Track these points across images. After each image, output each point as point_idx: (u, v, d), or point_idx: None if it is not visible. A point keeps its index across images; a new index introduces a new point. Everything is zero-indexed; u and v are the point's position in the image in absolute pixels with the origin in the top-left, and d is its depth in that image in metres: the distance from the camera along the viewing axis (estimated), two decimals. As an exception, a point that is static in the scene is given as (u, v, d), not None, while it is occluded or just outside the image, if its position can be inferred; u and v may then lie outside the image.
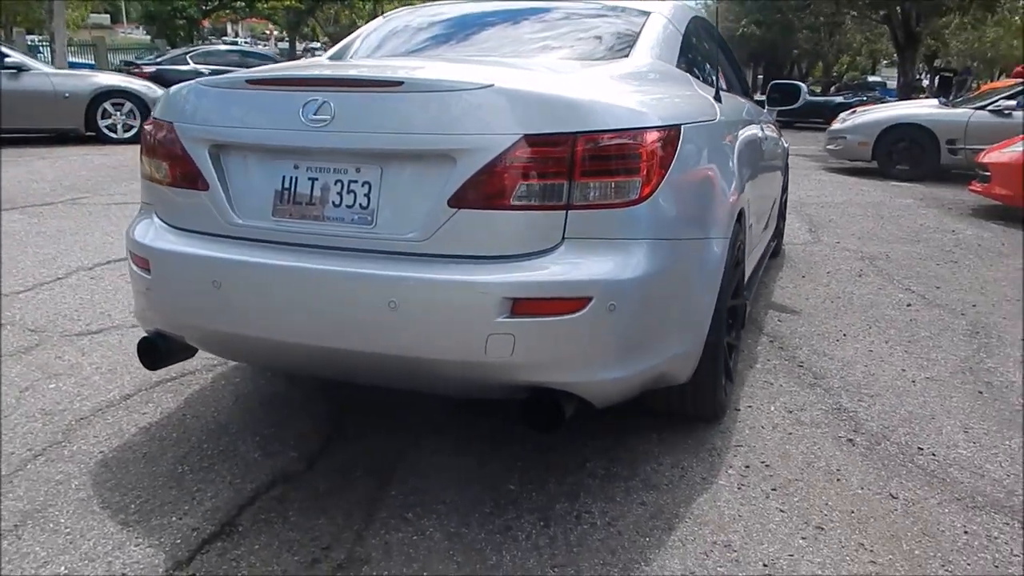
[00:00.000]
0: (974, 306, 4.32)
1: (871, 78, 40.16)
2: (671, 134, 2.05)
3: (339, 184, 2.02)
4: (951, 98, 11.88)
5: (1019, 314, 4.16)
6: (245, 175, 2.12)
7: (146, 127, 2.35)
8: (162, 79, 12.58)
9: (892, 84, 28.83)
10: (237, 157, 2.13)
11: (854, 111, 12.07)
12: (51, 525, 2.04)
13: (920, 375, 3.24)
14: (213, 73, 13.67)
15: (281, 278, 2.00)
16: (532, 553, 1.96)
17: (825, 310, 4.23)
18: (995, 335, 3.79)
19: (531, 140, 1.87)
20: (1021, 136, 7.69)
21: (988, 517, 2.16)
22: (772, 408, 2.88)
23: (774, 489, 2.29)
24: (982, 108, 10.02)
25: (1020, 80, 12.59)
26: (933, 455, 2.52)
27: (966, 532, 2.08)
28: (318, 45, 31.81)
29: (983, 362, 3.42)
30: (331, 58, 3.03)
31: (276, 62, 18.06)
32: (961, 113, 10.21)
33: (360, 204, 2.00)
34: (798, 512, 2.17)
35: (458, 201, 1.90)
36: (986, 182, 7.61)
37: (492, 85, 1.91)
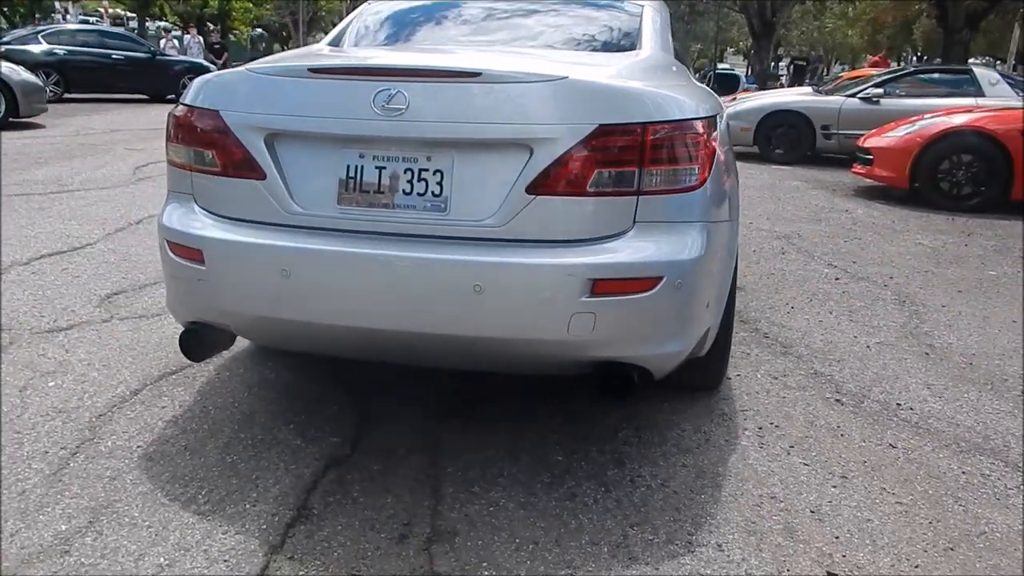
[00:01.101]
0: (892, 278, 4.80)
1: (720, 66, 42.28)
2: (713, 122, 2.23)
3: (409, 172, 2.08)
4: (807, 84, 12.76)
5: (936, 284, 4.67)
6: (304, 164, 2.14)
7: (177, 114, 2.31)
8: (10, 59, 11.54)
9: (739, 72, 30.57)
10: (295, 146, 2.14)
11: (735, 98, 12.79)
12: (127, 520, 2.01)
13: (871, 341, 3.61)
14: (70, 54, 12.76)
15: (360, 265, 2.04)
16: (606, 515, 2.11)
17: (765, 286, 4.58)
18: (919, 303, 4.25)
19: (606, 130, 2.00)
20: (899, 122, 8.44)
21: (976, 459, 2.49)
22: (758, 375, 3.14)
23: (791, 446, 2.54)
24: (853, 96, 10.86)
25: (883, 69, 13.73)
26: (911, 409, 2.85)
27: (963, 472, 2.40)
28: (167, 25, 29.77)
29: (919, 327, 3.84)
30: (331, 44, 3.01)
31: (139, 43, 17.09)
32: (834, 101, 11.02)
33: (432, 192, 2.07)
34: (820, 464, 2.43)
35: (536, 188, 2.01)
36: (868, 164, 8.31)
37: (567, 77, 2.03)
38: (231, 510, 2.08)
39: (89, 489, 2.14)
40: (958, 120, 7.72)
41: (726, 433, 2.62)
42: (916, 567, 1.93)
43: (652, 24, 2.97)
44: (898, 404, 2.89)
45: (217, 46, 19.82)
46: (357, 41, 2.99)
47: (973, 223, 6.74)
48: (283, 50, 46.26)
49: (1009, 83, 10.71)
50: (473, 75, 2.03)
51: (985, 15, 15.54)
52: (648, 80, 2.30)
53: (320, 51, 2.80)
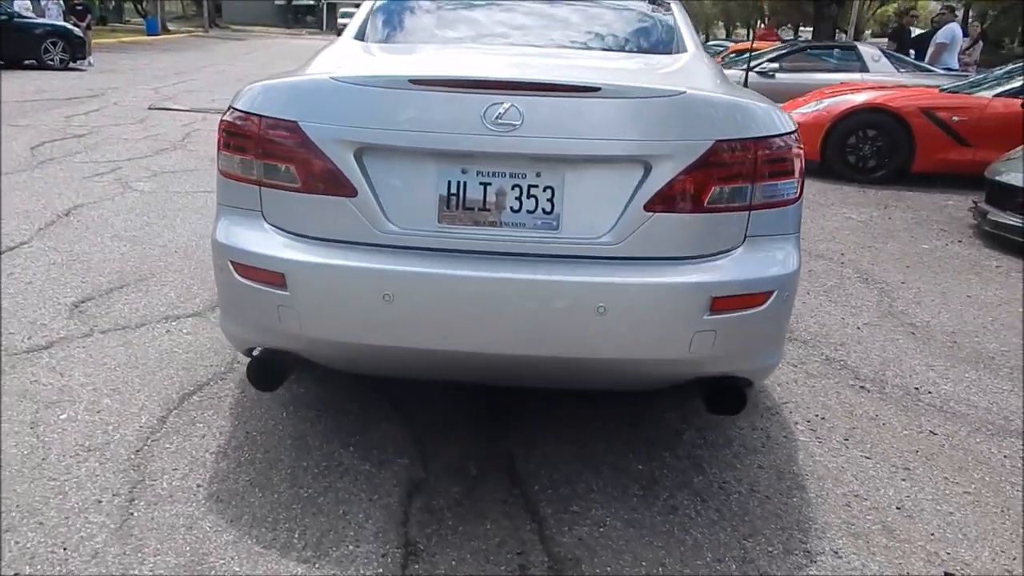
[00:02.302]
0: (843, 255, 5.05)
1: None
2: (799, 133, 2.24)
3: (516, 189, 1.98)
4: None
5: (884, 260, 4.96)
6: (398, 179, 1.99)
7: (235, 120, 2.08)
8: None
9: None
10: (387, 160, 1.98)
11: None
12: (226, 573, 1.84)
13: (859, 322, 3.80)
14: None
15: (474, 287, 1.93)
16: (715, 528, 2.13)
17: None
18: (881, 280, 4.49)
19: (723, 146, 1.96)
20: (807, 98, 8.85)
21: (1007, 441, 2.68)
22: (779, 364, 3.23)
23: (846, 439, 2.64)
24: (750, 71, 11.28)
25: (774, 42, 14.28)
26: (930, 393, 3.03)
27: (1005, 456, 2.58)
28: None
29: (893, 305, 4.06)
30: (356, 38, 2.78)
31: (25, 17, 15.44)
32: (732, 75, 11.42)
33: (543, 209, 1.97)
34: (880, 457, 2.54)
35: (654, 205, 1.95)
36: (780, 138, 8.67)
37: (685, 92, 1.97)
38: (336, 553, 1.95)
39: (169, 543, 1.95)
40: (862, 98, 8.17)
41: (780, 428, 2.69)
42: (1014, 559, 2.06)
43: (685, 21, 2.94)
44: (916, 388, 3.06)
45: (80, 7, 18.08)
46: (388, 36, 2.76)
47: (884, 195, 7.17)
48: (138, 9, 42.29)
49: (889, 59, 11.43)
50: (593, 90, 1.94)
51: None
52: (728, 88, 2.27)
53: (368, 51, 2.55)
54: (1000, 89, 7.38)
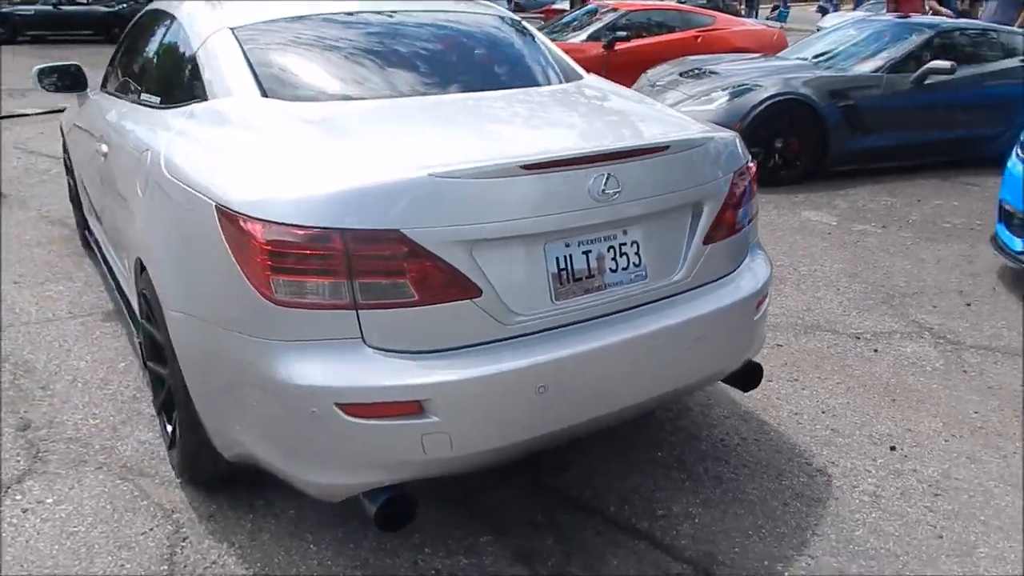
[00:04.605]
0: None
1: None
2: None
3: (611, 250, 2.07)
4: None
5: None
6: (509, 267, 1.92)
7: (302, 240, 1.76)
8: None
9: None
10: (499, 250, 1.90)
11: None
12: None
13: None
14: None
15: (614, 353, 2.01)
16: (753, 477, 2.57)
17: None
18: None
19: (736, 176, 2.30)
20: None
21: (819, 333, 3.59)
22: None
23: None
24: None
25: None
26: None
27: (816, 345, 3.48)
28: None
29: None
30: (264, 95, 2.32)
31: None
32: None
33: (633, 263, 2.11)
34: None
35: (708, 238, 2.23)
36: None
37: (713, 138, 2.24)
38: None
39: None
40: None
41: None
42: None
43: (538, 33, 3.10)
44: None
45: None
46: (283, 89, 2.36)
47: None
48: None
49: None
50: (663, 148, 2.09)
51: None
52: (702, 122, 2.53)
53: (331, 125, 2.18)
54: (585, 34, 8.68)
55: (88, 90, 3.86)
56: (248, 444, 2.04)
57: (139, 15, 3.64)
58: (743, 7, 25.88)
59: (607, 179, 1.97)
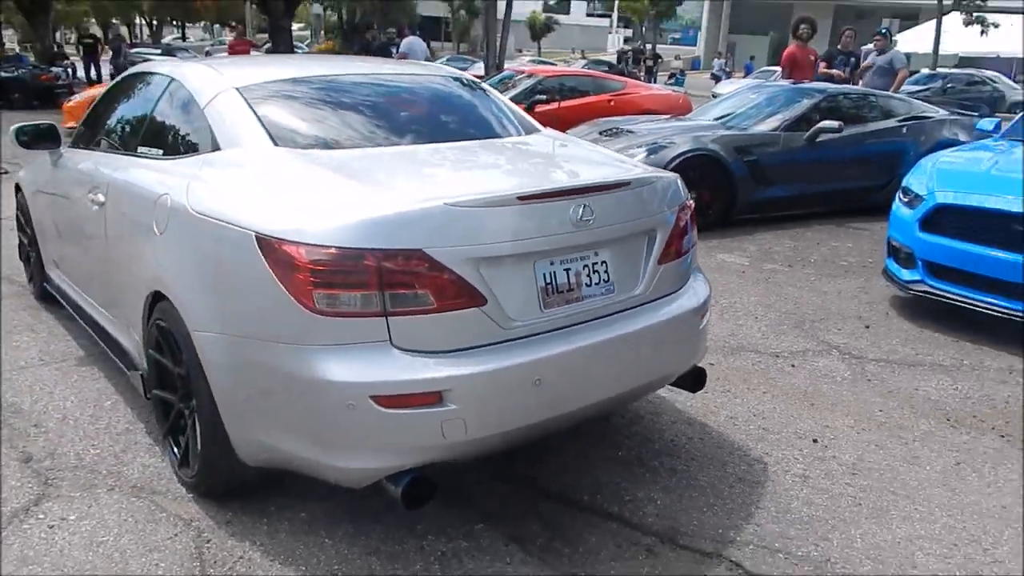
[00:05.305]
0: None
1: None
2: None
3: (586, 268, 2.49)
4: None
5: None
6: (508, 280, 2.31)
7: (340, 260, 2.12)
8: None
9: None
10: (500, 267, 2.29)
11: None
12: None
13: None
14: None
15: (594, 352, 2.42)
16: (704, 469, 2.99)
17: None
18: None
19: (680, 209, 2.78)
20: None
21: (744, 353, 4.10)
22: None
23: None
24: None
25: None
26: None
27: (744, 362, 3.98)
28: None
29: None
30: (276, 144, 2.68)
31: None
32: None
33: (603, 279, 2.53)
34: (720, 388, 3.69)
35: (661, 259, 2.68)
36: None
37: (662, 177, 2.72)
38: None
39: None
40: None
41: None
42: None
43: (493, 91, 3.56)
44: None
45: None
46: (291, 139, 2.72)
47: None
48: None
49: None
50: (627, 183, 2.55)
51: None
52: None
53: (342, 166, 2.55)
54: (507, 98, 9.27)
55: (60, 147, 4.09)
56: (279, 444, 2.33)
57: (120, 78, 3.93)
58: (643, 74, 27.58)
59: (584, 208, 2.40)
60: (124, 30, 36.79)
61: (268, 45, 20.70)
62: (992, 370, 4.06)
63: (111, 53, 20.43)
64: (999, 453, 3.21)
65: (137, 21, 48.07)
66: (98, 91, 9.57)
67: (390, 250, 2.14)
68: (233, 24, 43.51)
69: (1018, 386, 3.86)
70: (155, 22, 46.53)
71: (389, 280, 2.14)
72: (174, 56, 25.45)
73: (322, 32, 54.68)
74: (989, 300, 4.32)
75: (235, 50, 14.90)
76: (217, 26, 56.26)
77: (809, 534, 2.63)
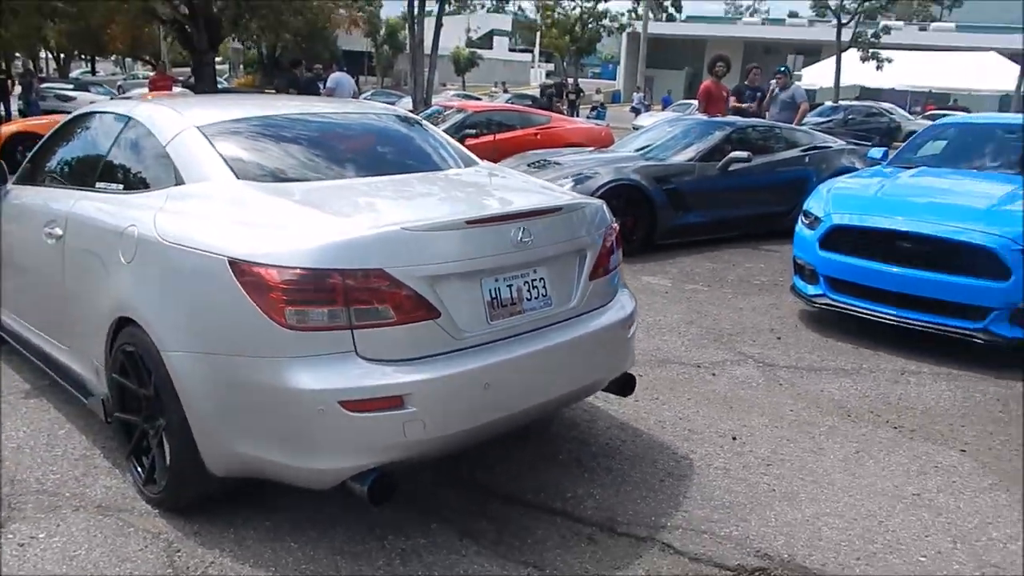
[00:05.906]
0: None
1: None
2: None
3: (527, 284, 2.78)
4: None
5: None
6: (458, 295, 2.58)
7: (308, 280, 2.35)
8: None
9: None
10: (450, 284, 2.55)
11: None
12: None
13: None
14: None
15: (538, 358, 2.71)
16: (637, 467, 3.29)
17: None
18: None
19: (608, 231, 3.11)
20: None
21: (672, 365, 4.45)
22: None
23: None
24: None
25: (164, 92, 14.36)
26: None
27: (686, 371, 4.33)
28: None
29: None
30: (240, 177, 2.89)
31: None
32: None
33: (541, 294, 2.83)
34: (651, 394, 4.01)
35: (592, 276, 3.00)
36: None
37: (589, 203, 3.04)
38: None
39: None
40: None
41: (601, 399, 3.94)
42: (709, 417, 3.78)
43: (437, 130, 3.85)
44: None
45: None
46: (251, 173, 2.93)
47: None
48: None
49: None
50: (558, 209, 2.86)
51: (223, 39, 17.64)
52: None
53: (299, 197, 2.79)
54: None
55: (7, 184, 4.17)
56: (251, 452, 2.52)
57: (71, 117, 4.07)
58: (566, 108, 28.38)
59: (523, 231, 2.70)
60: (29, 64, 35.56)
61: (191, 79, 20.60)
62: (887, 372, 4.52)
63: (20, 88, 19.90)
64: (892, 442, 3.62)
65: (43, 55, 46.43)
66: (9, 128, 9.58)
67: (354, 270, 2.39)
68: (147, 58, 42.76)
69: (908, 384, 4.33)
70: (62, 56, 45.03)
71: (353, 297, 2.38)
72: (87, 91, 24.93)
73: (241, 66, 54.30)
74: (881, 310, 4.81)
75: (156, 85, 14.76)
76: (129, 60, 55.04)
77: (731, 517, 2.95)
